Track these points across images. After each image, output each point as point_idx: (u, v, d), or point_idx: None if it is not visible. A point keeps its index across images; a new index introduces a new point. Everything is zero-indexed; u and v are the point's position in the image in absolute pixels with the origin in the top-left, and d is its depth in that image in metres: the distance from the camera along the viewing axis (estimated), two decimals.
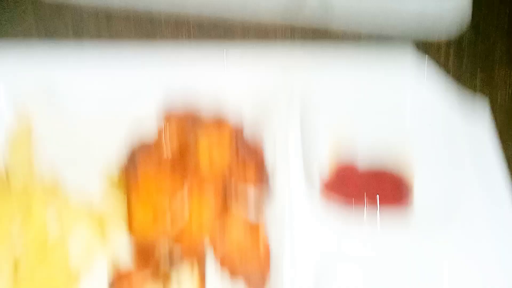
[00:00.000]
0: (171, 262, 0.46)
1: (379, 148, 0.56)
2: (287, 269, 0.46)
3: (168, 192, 0.47)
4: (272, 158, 0.52)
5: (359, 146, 0.56)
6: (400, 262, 0.47)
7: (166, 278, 0.45)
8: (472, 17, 0.68)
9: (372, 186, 0.54)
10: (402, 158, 0.55)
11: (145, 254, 0.47)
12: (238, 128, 0.53)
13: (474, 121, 0.54)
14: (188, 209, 0.46)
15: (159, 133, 0.51)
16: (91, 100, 0.56)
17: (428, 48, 0.64)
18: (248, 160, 0.50)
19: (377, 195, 0.53)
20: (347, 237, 0.47)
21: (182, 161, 0.49)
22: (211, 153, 0.49)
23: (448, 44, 0.67)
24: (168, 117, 0.53)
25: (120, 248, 0.48)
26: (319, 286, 0.45)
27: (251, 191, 0.50)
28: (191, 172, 0.48)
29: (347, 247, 0.47)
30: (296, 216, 0.48)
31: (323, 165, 0.55)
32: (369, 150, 0.56)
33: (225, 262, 0.46)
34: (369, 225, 0.50)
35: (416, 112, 0.57)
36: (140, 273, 0.45)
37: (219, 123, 0.52)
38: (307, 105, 0.56)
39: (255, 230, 0.46)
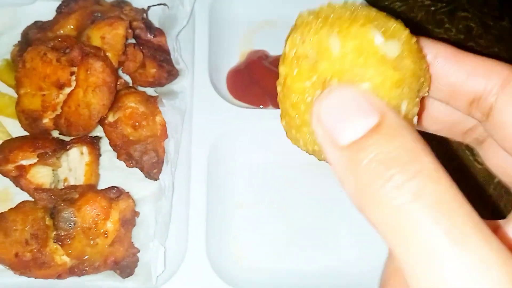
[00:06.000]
0: (61, 147, 0.44)
1: None
2: (183, 152, 0.46)
3: (57, 80, 0.44)
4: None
5: (272, 34, 0.54)
6: None
7: (55, 162, 0.44)
8: None
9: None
10: None
11: (34, 138, 0.45)
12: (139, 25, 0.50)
13: None
14: (76, 96, 0.44)
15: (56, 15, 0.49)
16: None
17: None
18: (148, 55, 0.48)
19: None
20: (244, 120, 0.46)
21: (75, 46, 0.46)
22: (104, 45, 0.46)
23: None
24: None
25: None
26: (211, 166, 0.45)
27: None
28: (84, 60, 0.44)
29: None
30: (196, 99, 0.47)
31: (233, 52, 0.53)
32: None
33: (116, 143, 0.44)
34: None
35: None
36: (28, 154, 0.43)
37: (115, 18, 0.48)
38: None
39: (151, 104, 0.44)
